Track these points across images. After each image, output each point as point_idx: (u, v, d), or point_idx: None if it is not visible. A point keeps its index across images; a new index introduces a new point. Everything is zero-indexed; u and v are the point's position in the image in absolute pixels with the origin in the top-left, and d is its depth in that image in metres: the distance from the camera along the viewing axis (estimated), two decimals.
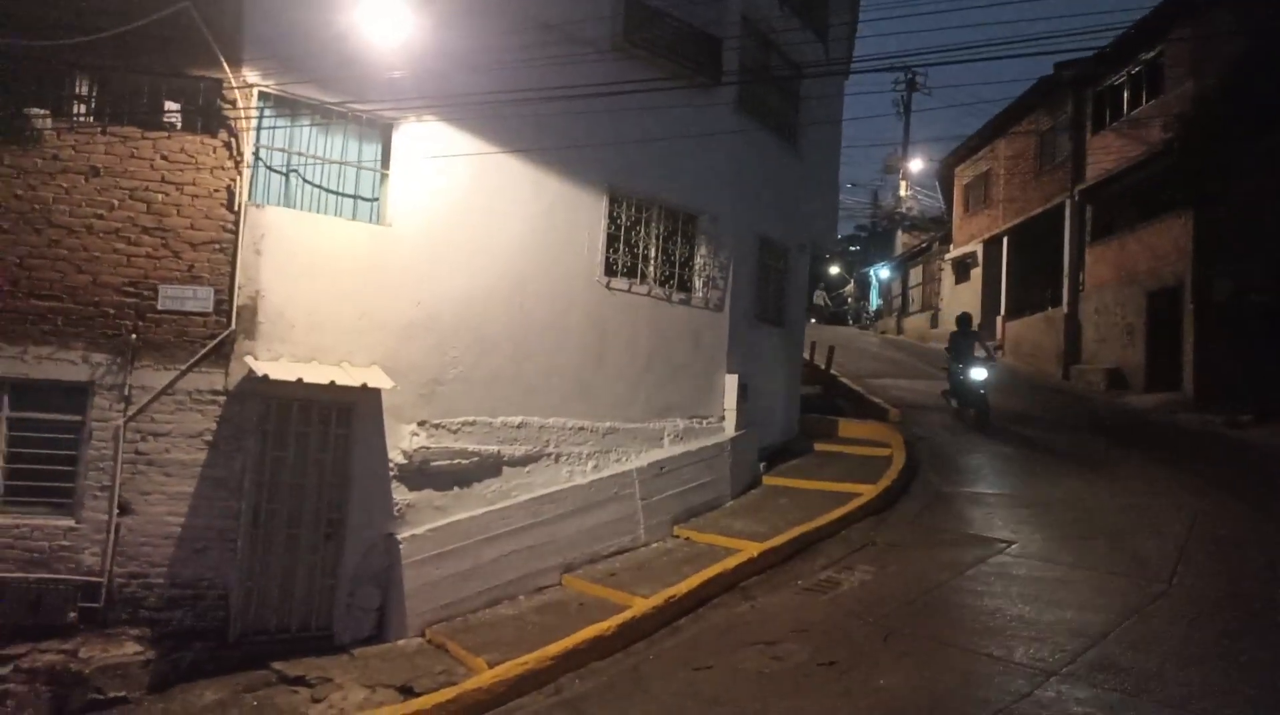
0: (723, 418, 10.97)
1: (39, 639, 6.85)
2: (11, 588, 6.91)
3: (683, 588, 7.71)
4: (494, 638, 7.49)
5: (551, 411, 9.30)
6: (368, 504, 8.10)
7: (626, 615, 7.28)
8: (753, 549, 8.48)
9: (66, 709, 6.62)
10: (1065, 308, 20.27)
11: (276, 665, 7.24)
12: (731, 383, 11.01)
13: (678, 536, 9.82)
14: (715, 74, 10.52)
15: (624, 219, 10.19)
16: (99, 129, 7.44)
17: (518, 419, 9.03)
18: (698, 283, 10.85)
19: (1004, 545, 8.41)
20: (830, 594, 7.57)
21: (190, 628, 7.30)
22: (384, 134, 8.55)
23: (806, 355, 17.30)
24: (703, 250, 10.90)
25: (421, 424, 8.44)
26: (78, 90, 7.51)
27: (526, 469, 9.04)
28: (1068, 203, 20.37)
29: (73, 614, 6.98)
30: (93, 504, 7.23)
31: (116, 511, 7.23)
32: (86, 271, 7.37)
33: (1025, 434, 13.77)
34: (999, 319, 23.70)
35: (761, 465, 11.56)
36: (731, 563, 8.22)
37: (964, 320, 15.37)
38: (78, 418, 7.31)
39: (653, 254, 10.48)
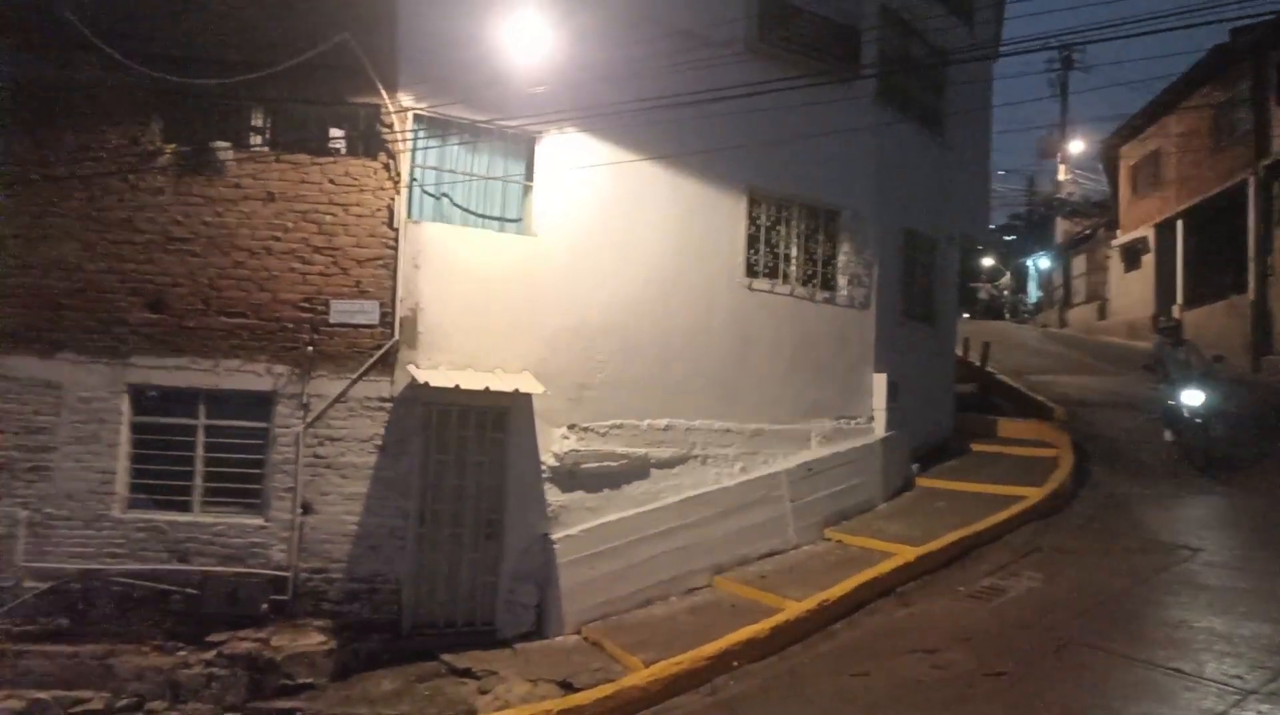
0: (872, 418, 10.69)
1: (237, 627, 7.48)
2: (212, 581, 7.58)
3: (836, 591, 7.56)
4: (648, 637, 7.58)
5: (697, 413, 9.33)
6: (523, 505, 8.38)
7: (780, 618, 7.20)
8: (908, 553, 8.21)
9: (262, 692, 7.18)
10: (1251, 294, 18.53)
11: (446, 657, 7.61)
12: (880, 382, 10.70)
13: (828, 539, 9.63)
14: (853, 67, 10.28)
15: (764, 219, 10.12)
16: (274, 157, 8.07)
17: (664, 422, 9.12)
18: (841, 280, 10.63)
19: (1190, 552, 7.78)
20: (994, 601, 7.22)
21: (367, 620, 7.78)
22: (528, 147, 8.85)
23: (960, 352, 16.59)
24: (845, 247, 10.66)
25: (571, 427, 8.66)
26: (254, 122, 8.18)
27: (674, 471, 9.11)
28: (1250, 180, 18.62)
29: (265, 605, 7.58)
30: (279, 504, 7.83)
31: (300, 511, 7.80)
32: (267, 290, 8.00)
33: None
34: (1175, 308, 21.96)
35: (915, 466, 11.17)
36: (886, 567, 7.99)
37: (1170, 328, 11.93)
38: (263, 425, 7.93)
39: (794, 253, 10.35)
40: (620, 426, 8.88)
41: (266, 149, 8.08)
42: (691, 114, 8.64)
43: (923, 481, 10.99)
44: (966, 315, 30.62)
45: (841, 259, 10.64)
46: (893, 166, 11.16)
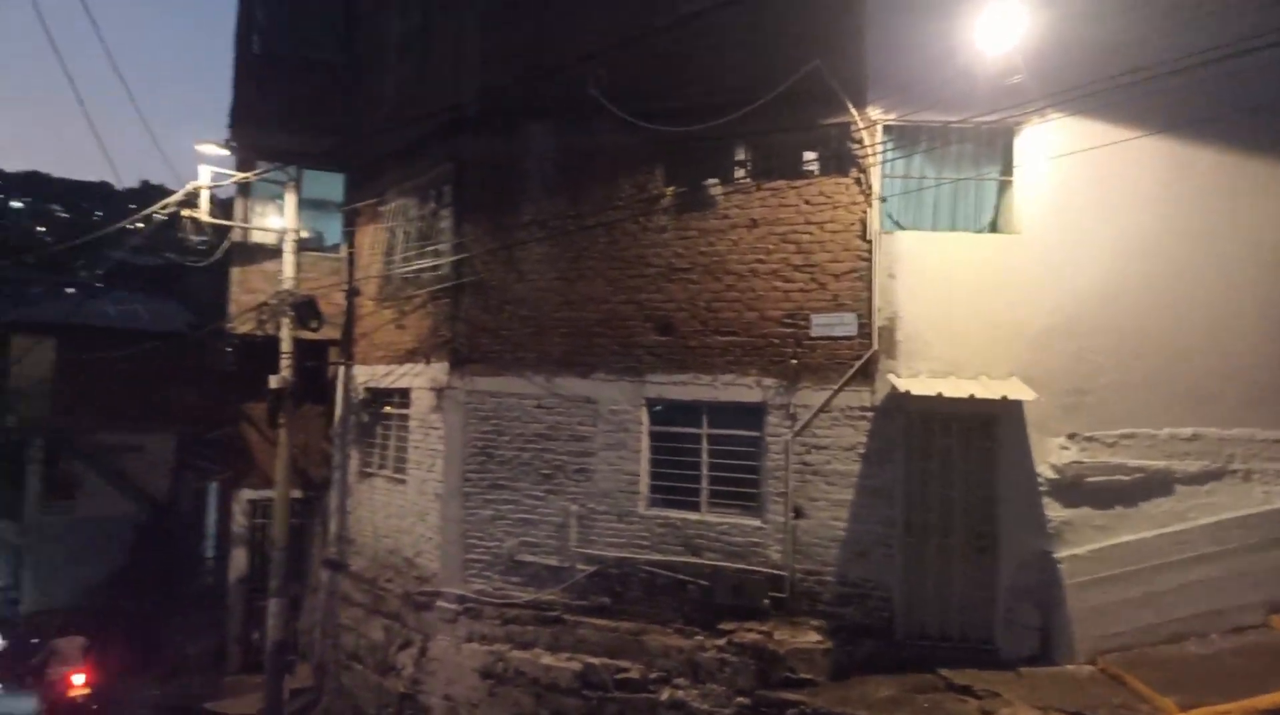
0: None
1: (742, 619, 8.17)
2: (720, 575, 8.37)
3: None
4: (1182, 676, 6.65)
5: (1232, 421, 7.96)
6: (1017, 519, 7.90)
7: None
8: None
9: (768, 682, 7.73)
10: None
11: (943, 672, 7.47)
12: None
13: None
14: None
15: None
16: (755, 186, 8.73)
17: (1188, 431, 7.94)
18: None
19: None
20: None
21: (860, 624, 7.95)
22: (1004, 141, 8.39)
23: None
24: None
25: (1071, 437, 7.95)
26: (738, 157, 8.93)
27: (1205, 488, 7.88)
28: None
29: (765, 601, 8.17)
30: (773, 508, 8.39)
31: (791, 515, 8.27)
32: (754, 308, 8.65)
33: None
34: None
35: None
36: None
37: None
38: (756, 433, 8.57)
39: None
40: (1131, 436, 7.93)
41: (749, 180, 8.78)
42: (1196, 79, 7.45)
43: None
44: None
45: None
46: None
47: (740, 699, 7.87)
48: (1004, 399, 7.69)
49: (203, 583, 17.47)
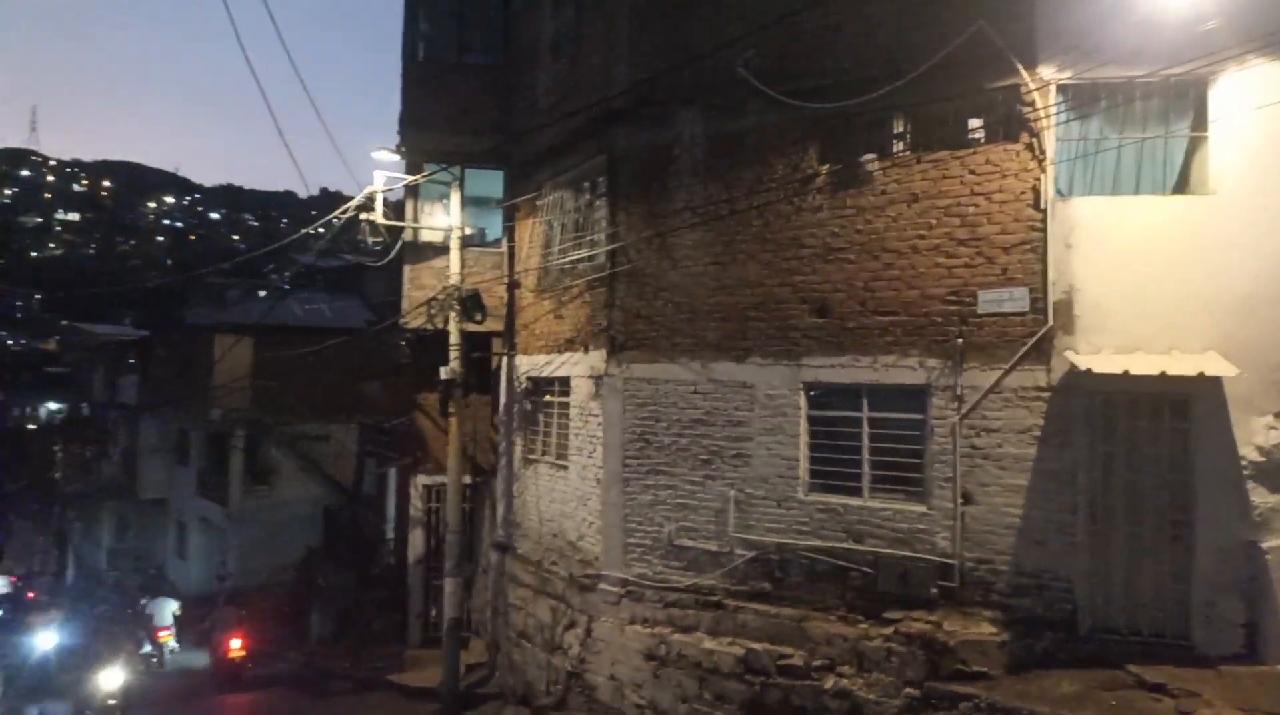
0: None
1: (908, 607, 7.92)
2: (884, 562, 8.15)
3: None
4: None
5: None
6: (1217, 506, 7.25)
7: None
8: None
9: (938, 673, 7.47)
10: None
11: (1131, 668, 6.97)
12: None
13: None
14: None
15: None
16: (915, 159, 8.39)
17: None
18: None
19: None
20: None
21: (1038, 616, 7.53)
22: (1195, 95, 7.68)
23: None
24: None
25: (1278, 416, 7.21)
26: (895, 130, 8.62)
27: None
28: None
29: (933, 590, 7.88)
30: (939, 493, 8.07)
31: (960, 501, 7.93)
32: (915, 287, 8.33)
33: None
34: None
35: None
36: None
37: None
38: (919, 416, 8.27)
39: None
40: None
41: (908, 153, 8.45)
42: None
43: None
44: None
45: None
46: None
47: (909, 690, 7.63)
48: (1200, 375, 7.06)
49: (385, 562, 18.73)
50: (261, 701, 14.37)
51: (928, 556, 8.02)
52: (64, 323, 52.39)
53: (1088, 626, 7.44)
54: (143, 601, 21.96)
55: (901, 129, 8.57)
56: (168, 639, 19.71)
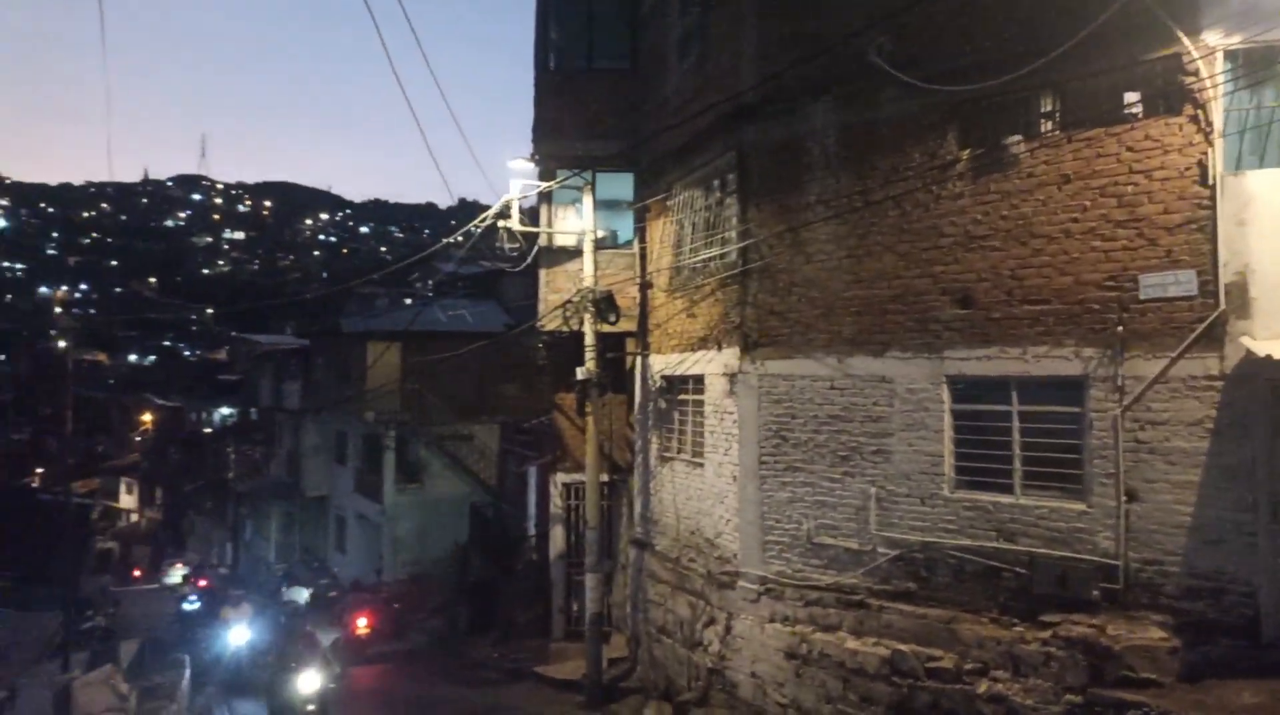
0: None
1: (1067, 610, 7.51)
2: (1040, 562, 7.76)
3: None
4: None
5: None
6: None
7: None
8: None
9: (1101, 680, 7.06)
10: None
11: None
12: None
13: None
14: None
15: None
16: (1065, 138, 7.95)
17: None
18: None
19: None
20: None
21: (1213, 621, 7.00)
22: None
23: None
24: None
25: None
26: (1042, 109, 8.20)
27: None
28: None
29: (1095, 592, 7.44)
30: (1099, 490, 7.62)
31: (1124, 498, 7.46)
32: (1068, 273, 7.90)
33: None
34: None
35: None
36: None
37: None
38: (1076, 409, 7.83)
39: None
40: None
41: (1057, 132, 8.02)
42: None
43: None
44: None
45: None
46: None
47: (1070, 696, 7.25)
48: None
49: (527, 558, 19.31)
50: (423, 691, 15.00)
51: (1088, 557, 7.58)
52: (233, 334, 56.86)
53: (1273, 633, 6.84)
54: (283, 589, 23.54)
55: (1049, 108, 8.14)
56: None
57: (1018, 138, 8.21)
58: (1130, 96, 7.64)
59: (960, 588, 8.29)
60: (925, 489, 8.63)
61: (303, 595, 22.39)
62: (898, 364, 8.90)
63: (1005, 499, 8.14)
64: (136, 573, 39.73)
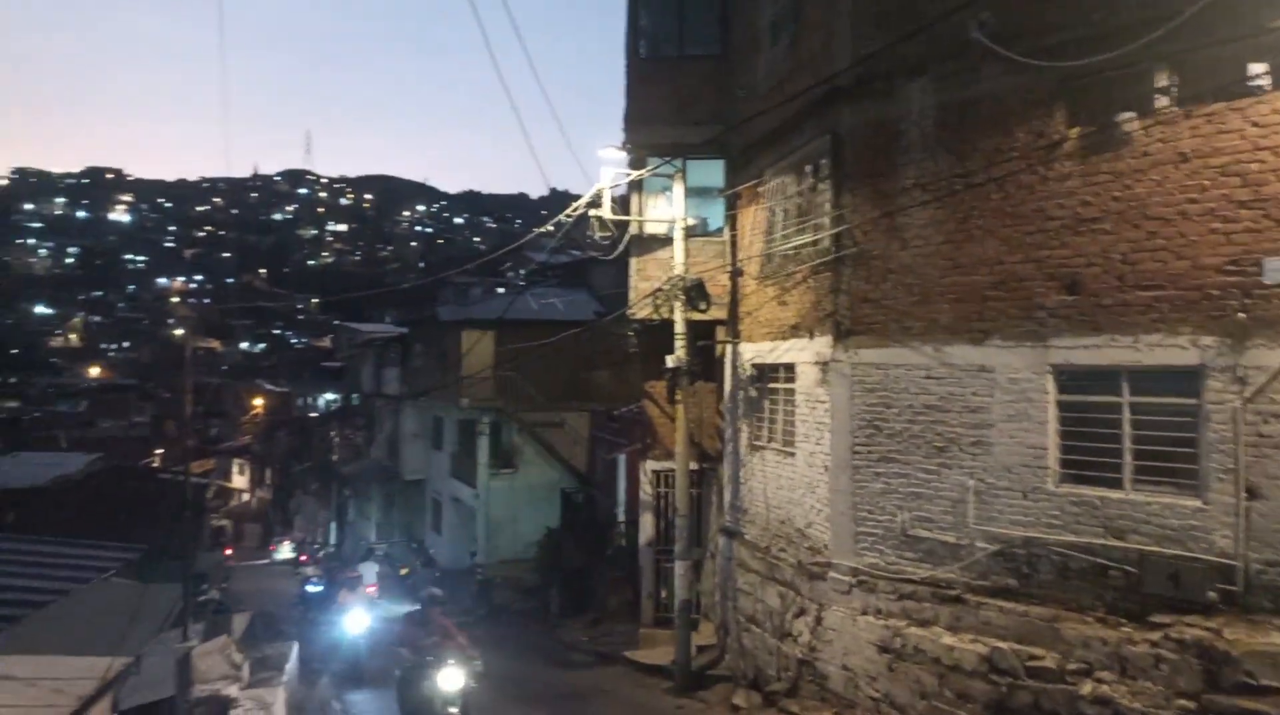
0: None
1: (1180, 612, 7.13)
2: (1150, 561, 7.39)
3: None
4: None
5: None
6: None
7: None
8: None
9: (1217, 685, 6.69)
10: None
11: None
12: None
13: None
14: None
15: None
16: (1183, 115, 7.50)
17: None
18: None
19: None
20: None
21: None
22: None
23: None
24: None
25: None
26: (1158, 83, 7.75)
27: None
28: None
29: (1210, 593, 7.04)
30: (1217, 486, 7.20)
31: (1244, 495, 7.04)
32: (1185, 257, 7.46)
33: None
34: None
35: None
36: None
37: None
38: (1192, 401, 7.40)
39: None
40: None
41: (1174, 108, 7.58)
42: None
43: None
44: None
45: None
46: None
47: (1181, 701, 6.89)
48: None
49: (617, 544, 19.50)
50: (519, 671, 15.27)
51: (1204, 556, 7.18)
52: (336, 323, 59.13)
53: None
54: (356, 565, 23.86)
55: (1165, 82, 7.68)
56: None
57: (1131, 114, 7.78)
58: (1255, 68, 7.14)
59: (1064, 585, 7.97)
60: (1027, 482, 8.33)
61: (372, 571, 22.34)
62: (999, 353, 8.59)
63: (1114, 494, 7.78)
64: (228, 551, 41.10)
